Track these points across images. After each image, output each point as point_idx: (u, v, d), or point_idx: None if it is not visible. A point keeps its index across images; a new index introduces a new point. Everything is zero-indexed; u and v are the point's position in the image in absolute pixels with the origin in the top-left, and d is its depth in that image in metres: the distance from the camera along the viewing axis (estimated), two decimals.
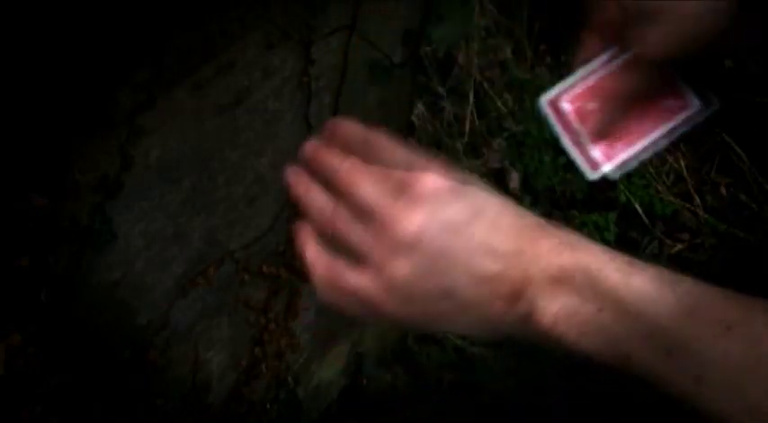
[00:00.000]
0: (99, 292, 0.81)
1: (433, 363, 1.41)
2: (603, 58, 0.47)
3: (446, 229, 0.38)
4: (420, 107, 1.70)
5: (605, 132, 0.47)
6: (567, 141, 0.48)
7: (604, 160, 0.47)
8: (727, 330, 0.35)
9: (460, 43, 1.78)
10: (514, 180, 1.67)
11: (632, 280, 0.37)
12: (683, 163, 1.53)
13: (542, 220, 0.40)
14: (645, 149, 0.47)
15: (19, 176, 0.67)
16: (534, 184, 1.64)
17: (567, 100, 0.48)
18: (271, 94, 0.96)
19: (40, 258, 0.72)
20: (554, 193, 1.62)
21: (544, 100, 0.48)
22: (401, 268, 0.38)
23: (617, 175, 0.48)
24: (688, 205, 1.50)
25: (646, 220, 1.51)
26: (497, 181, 1.68)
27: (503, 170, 1.69)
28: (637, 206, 1.50)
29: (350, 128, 0.44)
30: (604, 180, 0.48)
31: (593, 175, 0.48)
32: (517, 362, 1.34)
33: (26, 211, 0.69)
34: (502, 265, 0.38)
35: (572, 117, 0.47)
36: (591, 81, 0.47)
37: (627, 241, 1.52)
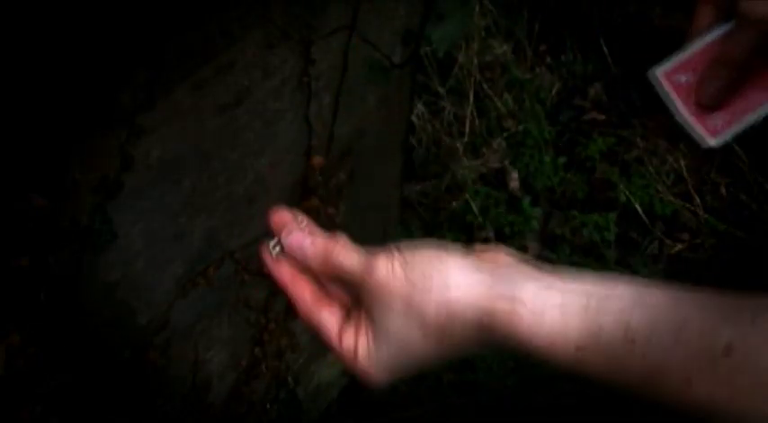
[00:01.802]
0: (99, 292, 0.81)
1: None
2: (718, 30, 0.48)
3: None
4: (420, 107, 1.70)
5: (723, 99, 0.49)
6: (683, 111, 0.50)
7: (725, 126, 0.49)
8: (680, 331, 0.38)
9: (460, 43, 1.78)
10: (514, 180, 1.66)
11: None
12: (682, 163, 1.53)
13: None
14: (761, 113, 0.49)
15: (19, 176, 0.67)
16: (534, 184, 1.64)
17: (684, 71, 0.50)
18: (271, 94, 0.96)
19: (40, 258, 0.72)
20: (554, 193, 1.62)
21: (659, 72, 0.50)
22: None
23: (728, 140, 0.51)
24: (688, 205, 1.50)
25: (646, 220, 1.51)
26: (497, 181, 1.68)
27: (503, 170, 1.69)
28: (637, 206, 1.50)
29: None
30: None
31: (713, 142, 0.50)
32: (517, 361, 1.34)
33: (26, 211, 0.69)
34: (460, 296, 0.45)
35: (690, 87, 0.49)
36: (707, 52, 0.49)
37: (627, 241, 1.52)
